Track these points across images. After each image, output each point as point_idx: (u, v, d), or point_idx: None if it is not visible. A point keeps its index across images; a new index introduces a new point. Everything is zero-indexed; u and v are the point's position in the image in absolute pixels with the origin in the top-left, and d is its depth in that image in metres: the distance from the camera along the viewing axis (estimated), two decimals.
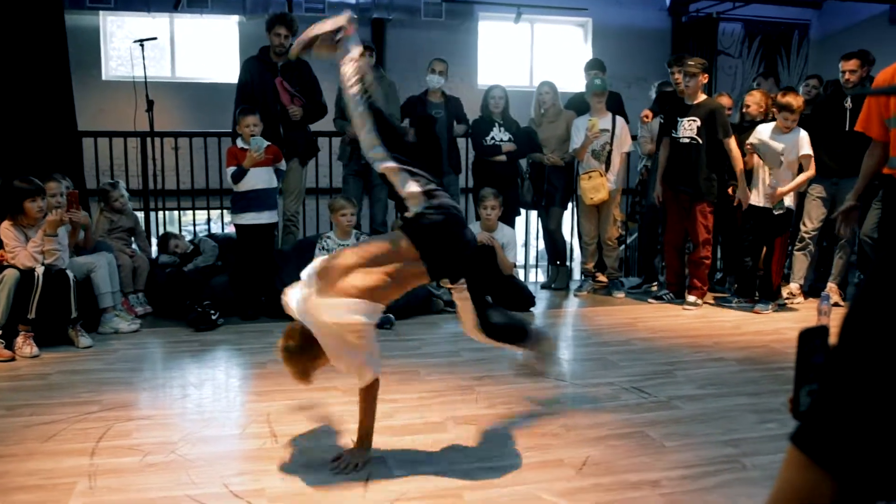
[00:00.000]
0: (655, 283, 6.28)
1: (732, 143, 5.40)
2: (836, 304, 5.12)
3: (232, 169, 5.12)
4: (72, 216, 4.72)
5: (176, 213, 7.03)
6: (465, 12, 9.69)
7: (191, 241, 5.53)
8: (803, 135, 5.20)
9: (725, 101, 6.01)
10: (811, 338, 1.01)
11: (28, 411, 3.28)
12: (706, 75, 5.53)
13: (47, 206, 4.51)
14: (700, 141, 5.42)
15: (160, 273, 5.35)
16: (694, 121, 5.45)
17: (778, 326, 5.01)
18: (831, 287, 5.61)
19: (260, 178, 5.17)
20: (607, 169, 5.81)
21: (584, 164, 5.87)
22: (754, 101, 5.73)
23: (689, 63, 5.49)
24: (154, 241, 6.33)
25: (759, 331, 4.90)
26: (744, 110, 5.82)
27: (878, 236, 5.47)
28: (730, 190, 5.63)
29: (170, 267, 5.37)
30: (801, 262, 5.74)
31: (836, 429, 0.84)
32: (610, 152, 5.81)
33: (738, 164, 5.40)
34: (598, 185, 5.73)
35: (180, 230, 5.78)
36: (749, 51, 10.84)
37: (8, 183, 4.47)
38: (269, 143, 5.22)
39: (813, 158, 5.23)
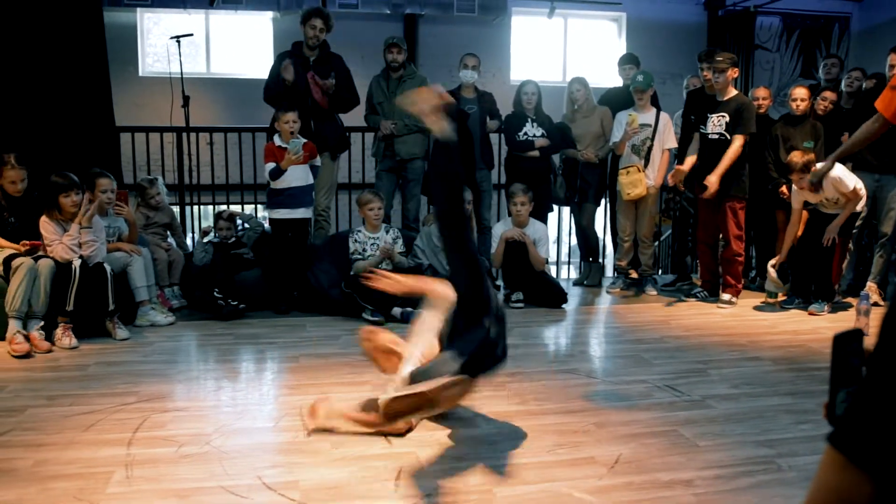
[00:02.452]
0: (688, 280, 6.19)
1: (741, 139, 5.31)
2: (875, 304, 5.02)
3: (270, 166, 5.16)
4: (119, 212, 4.90)
5: (210, 207, 7.12)
6: (498, 7, 9.66)
7: (235, 235, 5.54)
8: (839, 175, 5.05)
9: (761, 93, 5.93)
10: (846, 341, 0.99)
11: (67, 401, 3.35)
12: (736, 70, 5.45)
13: (96, 201, 4.61)
14: (728, 137, 5.34)
15: (194, 267, 5.40)
16: (723, 116, 5.37)
17: (815, 326, 4.93)
18: (871, 286, 5.50)
19: (296, 177, 5.21)
20: (646, 164, 5.74)
21: (623, 159, 5.80)
22: (800, 96, 5.63)
23: (718, 59, 5.41)
24: (189, 236, 6.41)
25: (796, 330, 4.82)
26: (793, 105, 5.69)
27: None
28: (782, 189, 5.53)
29: (203, 263, 5.39)
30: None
31: (875, 429, 0.82)
32: (650, 148, 5.74)
33: (729, 156, 5.29)
34: (636, 181, 5.66)
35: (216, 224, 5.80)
36: (787, 45, 10.66)
37: (46, 178, 4.56)
38: (306, 141, 5.25)
39: (858, 191, 5.10)
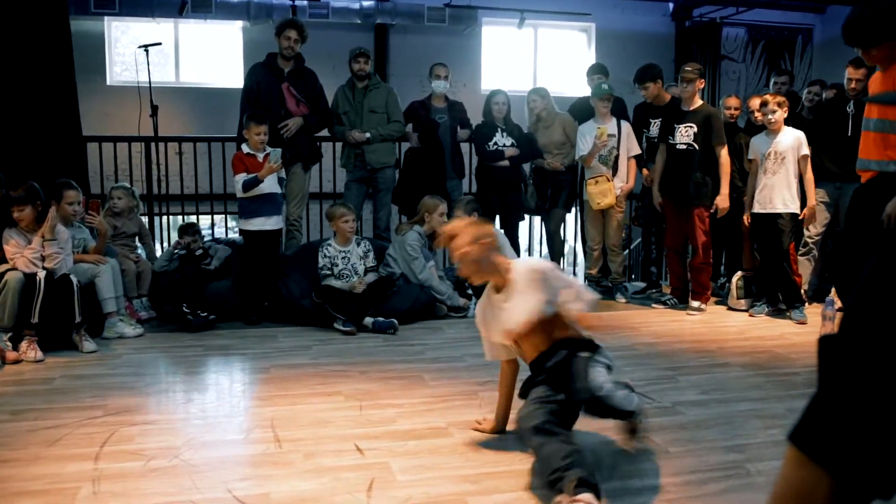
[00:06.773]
0: (657, 288, 6.25)
1: (724, 150, 5.40)
2: (840, 310, 5.10)
3: (242, 177, 5.06)
4: (90, 222, 4.88)
5: (180, 217, 7.05)
6: (469, 17, 9.71)
7: (201, 246, 5.49)
8: (799, 134, 5.19)
9: (733, 102, 6.02)
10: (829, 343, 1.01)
11: (32, 416, 3.28)
12: (702, 81, 5.55)
13: (63, 213, 4.56)
14: (696, 147, 5.42)
15: (163, 278, 5.34)
16: (690, 127, 5.44)
17: (783, 331, 5.00)
18: (835, 292, 5.59)
19: (266, 182, 5.15)
20: (614, 174, 5.80)
21: (590, 169, 5.85)
22: (757, 106, 5.74)
23: (686, 69, 5.50)
24: (158, 245, 6.34)
25: (763, 336, 4.89)
26: (752, 115, 5.80)
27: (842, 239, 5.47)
28: (746, 197, 5.61)
29: (169, 273, 5.33)
30: (805, 267, 5.72)
31: (833, 427, 0.84)
32: (617, 157, 5.80)
33: (726, 171, 5.40)
34: (604, 190, 5.73)
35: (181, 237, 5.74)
36: (753, 55, 10.86)
37: (9, 189, 4.50)
38: (281, 150, 5.24)
39: (810, 159, 5.25)
